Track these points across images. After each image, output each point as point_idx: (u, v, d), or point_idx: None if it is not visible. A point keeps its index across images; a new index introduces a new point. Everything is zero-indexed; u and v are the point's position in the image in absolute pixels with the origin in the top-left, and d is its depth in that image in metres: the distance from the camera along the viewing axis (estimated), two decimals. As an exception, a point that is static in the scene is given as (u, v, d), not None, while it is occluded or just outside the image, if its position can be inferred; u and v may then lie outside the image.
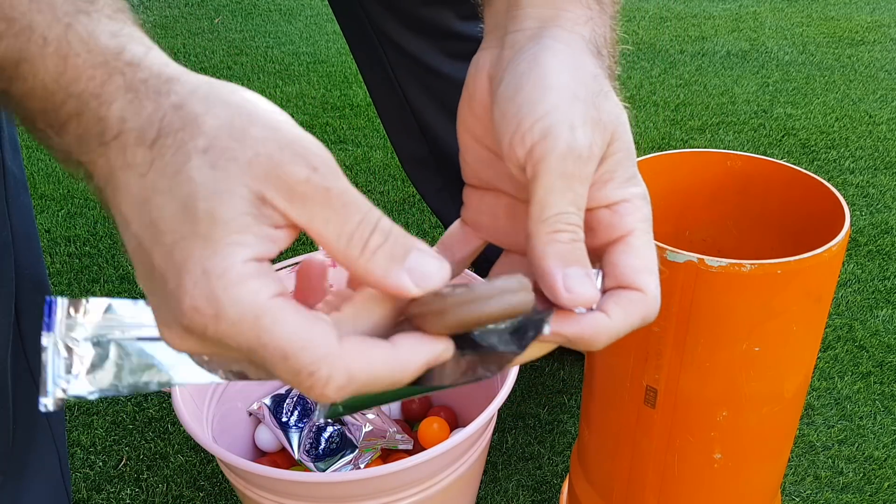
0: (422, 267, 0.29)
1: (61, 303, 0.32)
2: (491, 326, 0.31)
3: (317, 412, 0.34)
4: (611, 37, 0.37)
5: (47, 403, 0.32)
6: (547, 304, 0.33)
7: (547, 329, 0.31)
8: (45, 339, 0.32)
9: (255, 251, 0.28)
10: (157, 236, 0.28)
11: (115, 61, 0.28)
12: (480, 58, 0.38)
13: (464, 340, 0.31)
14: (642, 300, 0.33)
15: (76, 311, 0.33)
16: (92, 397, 0.33)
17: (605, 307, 0.33)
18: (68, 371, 0.32)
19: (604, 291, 0.34)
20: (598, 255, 0.35)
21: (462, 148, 0.40)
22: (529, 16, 0.36)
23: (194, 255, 0.27)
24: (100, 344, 0.33)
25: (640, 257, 0.34)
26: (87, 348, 0.33)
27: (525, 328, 0.31)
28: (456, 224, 0.41)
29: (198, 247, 0.27)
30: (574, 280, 0.32)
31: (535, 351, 0.34)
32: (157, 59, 0.29)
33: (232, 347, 0.28)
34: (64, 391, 0.32)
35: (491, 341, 0.31)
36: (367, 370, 0.28)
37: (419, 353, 0.29)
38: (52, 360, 0.32)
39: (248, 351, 0.28)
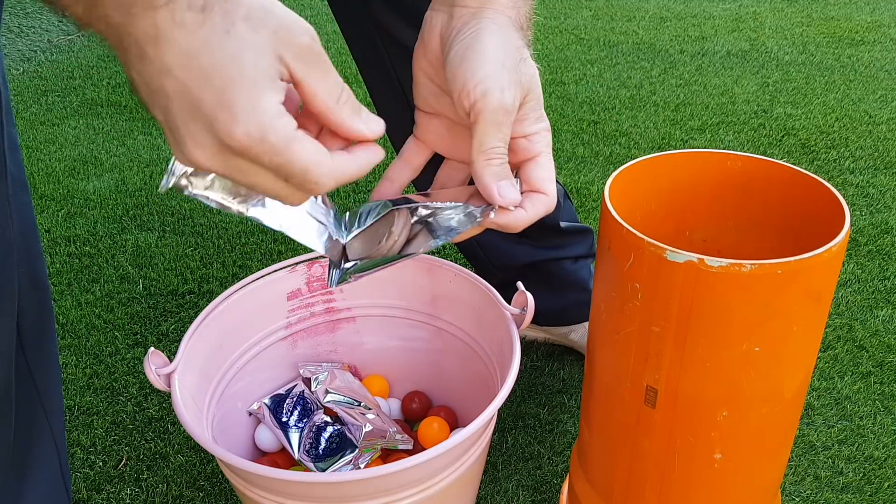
0: (370, 119, 0.43)
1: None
2: (450, 212, 0.51)
3: (329, 275, 0.54)
4: (529, 15, 0.51)
5: (168, 182, 0.43)
6: (485, 204, 0.51)
7: (492, 214, 0.50)
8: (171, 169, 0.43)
9: (280, 96, 0.38)
10: (208, 79, 0.36)
11: None
12: (432, 17, 0.51)
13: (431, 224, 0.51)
14: (546, 200, 0.51)
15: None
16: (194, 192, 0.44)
17: (523, 205, 0.51)
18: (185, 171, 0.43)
19: (521, 192, 0.51)
20: (516, 168, 0.52)
21: (416, 82, 0.53)
22: None
23: (243, 95, 0.37)
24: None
25: (546, 170, 0.51)
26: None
27: (473, 214, 0.51)
28: (410, 139, 0.56)
29: (245, 90, 0.37)
30: (504, 189, 0.49)
31: (474, 230, 0.52)
32: None
33: (263, 163, 0.39)
34: (183, 174, 0.43)
35: (450, 223, 0.51)
36: (345, 174, 0.42)
37: (370, 155, 0.44)
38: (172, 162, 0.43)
39: (276, 165, 0.39)
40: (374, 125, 0.43)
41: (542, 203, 0.51)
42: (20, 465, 0.69)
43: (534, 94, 0.49)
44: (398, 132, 1.00)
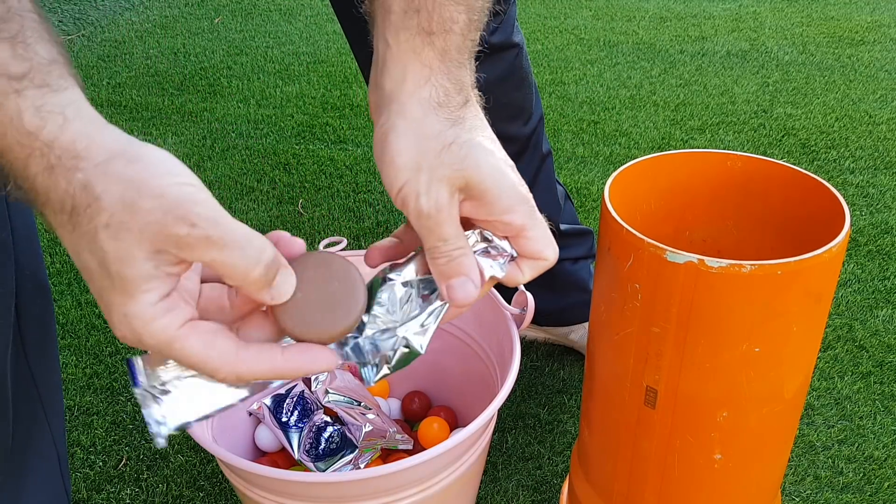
0: (280, 286, 0.40)
1: (137, 361, 0.42)
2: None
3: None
4: (454, 80, 0.44)
5: (160, 441, 0.41)
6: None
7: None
8: (137, 392, 0.42)
9: (160, 292, 0.37)
10: (89, 280, 0.37)
11: (35, 141, 0.35)
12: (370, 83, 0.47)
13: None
14: (545, 264, 0.47)
15: (148, 365, 0.42)
16: (191, 422, 0.42)
17: (521, 267, 0.47)
18: (160, 412, 0.41)
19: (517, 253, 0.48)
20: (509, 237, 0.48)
21: None
22: (388, 73, 0.44)
23: (115, 301, 0.37)
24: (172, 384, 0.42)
25: (537, 240, 0.46)
26: (165, 390, 0.42)
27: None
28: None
29: (117, 296, 0.37)
30: (454, 290, 0.45)
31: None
32: (70, 133, 0.36)
33: (162, 354, 0.39)
34: (165, 426, 0.41)
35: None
36: (246, 373, 0.40)
37: (300, 360, 0.41)
38: (147, 407, 0.41)
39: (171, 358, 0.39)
40: (284, 290, 0.40)
41: (541, 267, 0.48)
42: (19, 465, 0.69)
43: (478, 179, 0.43)
44: None
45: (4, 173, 0.36)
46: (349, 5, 0.87)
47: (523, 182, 0.46)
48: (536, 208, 0.46)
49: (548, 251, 0.47)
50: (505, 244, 0.47)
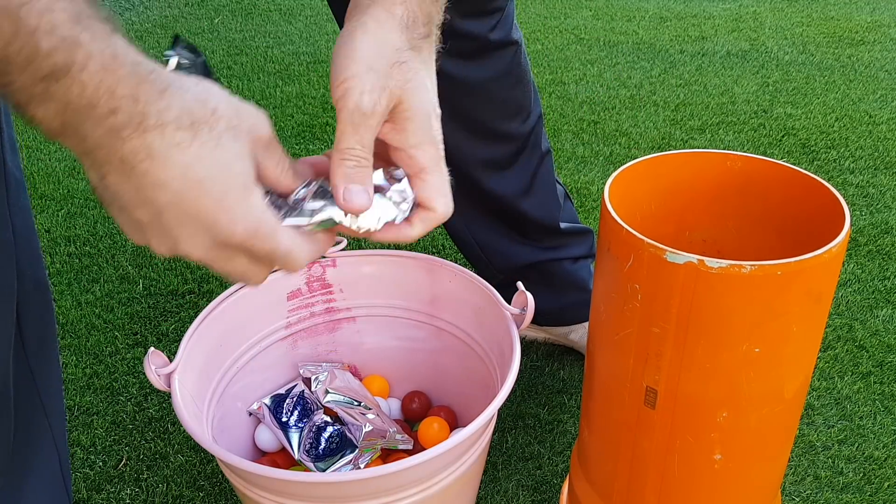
0: (295, 176, 0.48)
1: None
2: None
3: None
4: (425, 11, 0.49)
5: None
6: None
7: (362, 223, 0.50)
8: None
9: (262, 191, 0.44)
10: (204, 189, 0.41)
11: (142, 71, 0.39)
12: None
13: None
14: (435, 217, 0.51)
15: None
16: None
17: (411, 220, 0.51)
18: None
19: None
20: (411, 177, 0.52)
21: None
22: None
23: (239, 197, 0.42)
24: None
25: (431, 188, 0.50)
26: None
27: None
28: None
29: (239, 191, 0.42)
30: (350, 193, 0.47)
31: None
32: (162, 70, 0.41)
33: (254, 251, 0.44)
34: None
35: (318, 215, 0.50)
36: (312, 255, 0.48)
37: (328, 239, 0.50)
38: None
39: (265, 251, 0.44)
40: (297, 178, 0.48)
41: (431, 220, 0.51)
42: (20, 465, 0.69)
43: (409, 105, 0.48)
44: None
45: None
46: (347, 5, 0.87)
47: (440, 132, 0.50)
48: (444, 161, 0.51)
49: (438, 201, 0.51)
50: (408, 190, 0.50)
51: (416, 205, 0.51)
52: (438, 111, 0.50)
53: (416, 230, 0.51)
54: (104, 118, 0.38)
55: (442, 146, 0.50)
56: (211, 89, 0.42)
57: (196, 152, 0.40)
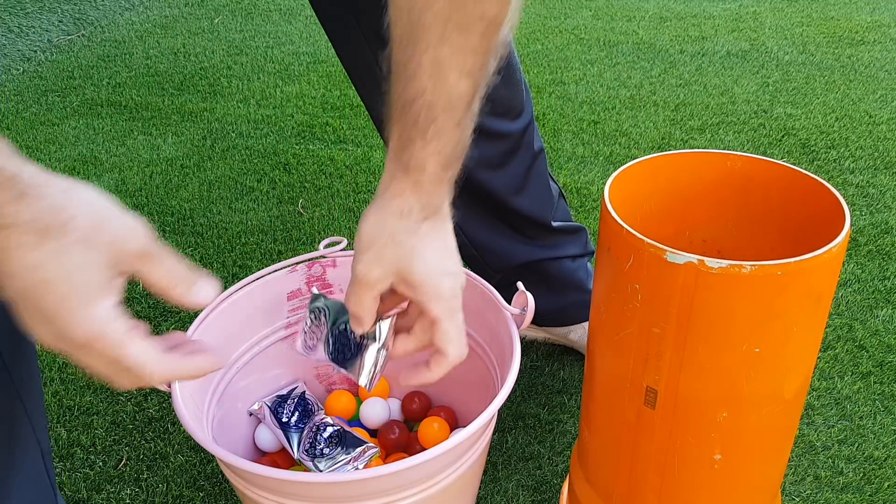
0: (200, 290, 0.50)
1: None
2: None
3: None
4: (423, 202, 0.58)
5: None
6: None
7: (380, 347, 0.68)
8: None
9: (113, 299, 0.47)
10: (46, 290, 0.44)
11: (1, 177, 0.42)
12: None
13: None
14: (447, 360, 0.62)
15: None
16: None
17: (429, 365, 0.63)
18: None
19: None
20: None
21: None
22: (384, 176, 0.60)
23: (78, 304, 0.45)
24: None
25: (444, 334, 0.61)
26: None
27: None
28: None
29: (78, 299, 0.45)
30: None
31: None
32: (30, 169, 0.44)
33: (100, 355, 0.47)
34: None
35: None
36: (174, 373, 0.50)
37: (202, 363, 0.52)
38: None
39: (111, 359, 0.47)
40: (204, 294, 0.51)
41: (444, 364, 0.62)
42: (2, 464, 0.69)
43: (411, 271, 0.58)
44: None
45: None
46: (332, 8, 0.88)
47: (454, 288, 0.60)
48: (459, 311, 0.61)
49: (449, 347, 0.61)
50: (383, 327, 0.66)
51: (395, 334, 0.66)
52: (453, 270, 0.60)
53: (435, 373, 0.62)
54: None
55: (456, 300, 0.60)
56: (78, 199, 0.45)
57: (40, 255, 0.44)
